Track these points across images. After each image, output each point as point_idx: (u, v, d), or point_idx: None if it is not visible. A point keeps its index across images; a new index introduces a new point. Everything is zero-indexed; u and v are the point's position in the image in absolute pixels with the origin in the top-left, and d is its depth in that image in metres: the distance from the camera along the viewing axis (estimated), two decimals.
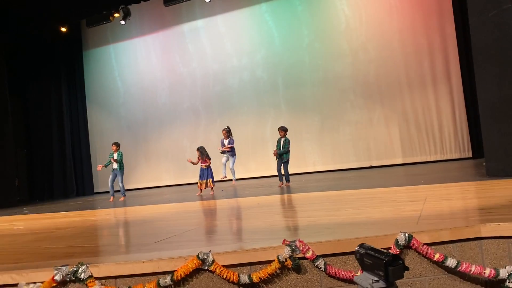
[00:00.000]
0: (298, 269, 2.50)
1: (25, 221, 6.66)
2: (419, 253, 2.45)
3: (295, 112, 12.44)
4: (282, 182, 8.56)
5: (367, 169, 11.30)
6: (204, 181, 8.59)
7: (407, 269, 1.42)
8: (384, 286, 1.40)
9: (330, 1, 12.22)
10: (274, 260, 2.48)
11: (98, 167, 9.94)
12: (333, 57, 12.08)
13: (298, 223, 3.89)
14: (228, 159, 10.21)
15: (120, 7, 12.79)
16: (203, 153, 8.71)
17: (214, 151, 9.91)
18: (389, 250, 2.45)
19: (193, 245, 3.08)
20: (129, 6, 13.09)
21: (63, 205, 9.94)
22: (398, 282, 1.45)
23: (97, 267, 2.57)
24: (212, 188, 8.59)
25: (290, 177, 8.73)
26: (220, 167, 10.46)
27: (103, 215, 6.67)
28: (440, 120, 11.01)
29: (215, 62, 13.45)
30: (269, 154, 10.22)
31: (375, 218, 3.45)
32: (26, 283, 2.56)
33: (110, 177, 9.70)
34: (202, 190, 8.61)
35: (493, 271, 2.36)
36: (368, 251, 1.46)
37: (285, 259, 2.47)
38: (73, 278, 2.53)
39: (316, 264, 2.47)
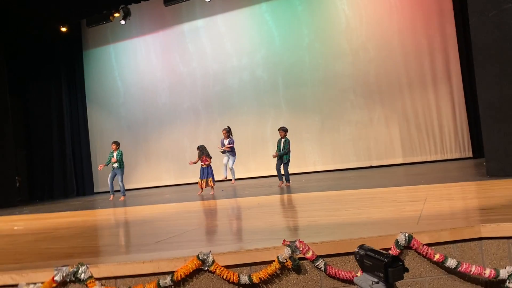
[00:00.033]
0: (298, 269, 2.50)
1: (25, 221, 6.66)
2: (419, 253, 2.45)
3: (295, 112, 12.44)
4: (282, 182, 8.55)
5: (367, 169, 11.31)
6: (205, 180, 8.57)
7: (406, 270, 1.42)
8: (384, 287, 1.40)
9: (330, 0, 12.22)
10: (274, 261, 2.48)
11: (99, 167, 9.95)
12: (333, 57, 12.08)
13: (298, 223, 3.89)
14: (228, 159, 10.21)
15: (120, 7, 12.79)
16: (202, 152, 8.69)
17: (214, 150, 9.91)
18: (389, 251, 2.45)
19: (193, 245, 3.08)
20: (129, 6, 13.09)
21: (63, 205, 9.94)
22: (398, 282, 1.45)
23: (97, 267, 2.57)
24: (212, 187, 8.58)
25: (290, 177, 8.73)
26: (220, 167, 10.47)
27: (103, 215, 6.67)
28: (440, 120, 11.01)
29: (215, 62, 13.45)
30: (269, 154, 10.22)
31: (375, 218, 3.45)
32: (26, 283, 2.56)
33: (110, 175, 9.71)
34: (203, 189, 8.60)
35: (493, 272, 2.36)
36: (368, 253, 1.46)
37: (285, 259, 2.47)
38: (73, 279, 2.53)
39: (316, 264, 2.47)
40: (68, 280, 2.54)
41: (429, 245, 2.46)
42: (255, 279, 2.46)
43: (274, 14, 12.79)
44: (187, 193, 9.36)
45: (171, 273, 2.49)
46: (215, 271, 2.49)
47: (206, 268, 2.51)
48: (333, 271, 2.46)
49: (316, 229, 3.21)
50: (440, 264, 2.42)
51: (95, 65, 15.04)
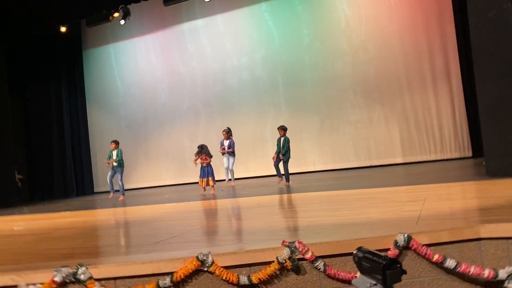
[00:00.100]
0: (297, 270, 2.51)
1: (25, 222, 6.67)
2: (418, 254, 2.46)
3: (295, 111, 12.44)
4: (281, 178, 8.57)
5: (367, 168, 11.30)
6: (205, 179, 8.56)
7: (404, 272, 1.42)
8: None
9: (330, 0, 12.21)
10: (273, 261, 2.48)
11: (106, 164, 9.89)
12: (333, 57, 12.08)
13: (297, 223, 3.90)
14: (228, 161, 10.15)
15: (120, 6, 12.77)
16: (201, 150, 8.66)
17: (214, 151, 9.90)
18: (389, 251, 2.45)
19: (192, 246, 3.08)
20: (128, 6, 13.05)
21: (63, 205, 9.94)
22: (397, 284, 1.46)
23: (97, 268, 2.57)
24: (213, 186, 8.57)
25: (290, 176, 8.74)
26: (220, 166, 10.47)
27: (103, 216, 6.67)
28: (440, 120, 11.01)
29: (215, 61, 13.45)
30: (269, 153, 10.24)
31: (374, 218, 3.45)
32: (26, 284, 2.56)
33: (109, 173, 9.70)
34: (205, 188, 8.58)
35: (492, 272, 2.37)
36: (366, 255, 1.46)
37: (285, 260, 2.47)
38: (73, 280, 2.53)
39: (316, 265, 2.48)
40: (67, 281, 2.55)
41: (428, 245, 2.46)
42: (254, 279, 2.47)
43: (273, 14, 12.79)
44: (186, 193, 9.37)
45: (171, 274, 2.50)
46: (214, 272, 2.50)
47: (205, 269, 2.52)
48: (332, 272, 2.46)
49: (316, 230, 3.22)
50: (439, 265, 2.43)
51: (95, 65, 15.04)
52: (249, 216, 4.60)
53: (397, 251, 2.44)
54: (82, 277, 2.51)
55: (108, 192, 10.33)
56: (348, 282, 2.43)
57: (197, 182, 8.99)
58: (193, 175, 11.09)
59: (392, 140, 11.44)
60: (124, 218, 6.00)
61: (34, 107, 14.33)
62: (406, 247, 2.45)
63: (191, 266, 2.49)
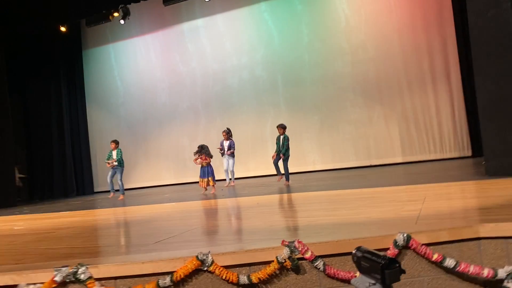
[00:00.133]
0: (297, 269, 2.51)
1: (25, 221, 6.67)
2: (417, 253, 2.46)
3: (295, 111, 12.45)
4: (281, 176, 8.58)
5: (366, 168, 11.31)
6: (205, 179, 8.57)
7: (403, 272, 1.43)
8: None
9: (330, 0, 12.22)
10: (273, 261, 2.49)
11: (107, 165, 9.87)
12: (333, 56, 12.09)
13: (297, 223, 3.90)
14: (228, 163, 10.13)
15: (120, 6, 12.78)
16: (201, 151, 8.65)
17: (214, 151, 9.90)
18: (388, 251, 2.46)
19: (192, 245, 3.09)
20: (128, 6, 13.06)
21: (63, 204, 9.95)
22: (396, 283, 1.46)
23: (97, 268, 2.58)
24: (213, 186, 8.57)
25: (290, 176, 8.74)
26: (220, 166, 10.47)
27: (103, 215, 6.68)
28: (439, 119, 11.02)
29: (215, 61, 13.45)
30: (269, 153, 10.24)
31: (374, 218, 3.46)
32: (26, 284, 2.57)
33: (109, 173, 9.70)
34: (206, 188, 8.58)
35: (491, 271, 2.37)
36: (365, 254, 1.47)
37: (284, 259, 2.48)
38: (73, 279, 2.54)
39: (315, 264, 2.48)
40: (68, 280, 2.55)
41: (428, 245, 2.46)
42: (254, 279, 2.47)
43: (273, 14, 12.79)
44: (186, 193, 9.37)
45: (171, 273, 2.50)
46: (214, 271, 2.50)
47: (205, 268, 2.52)
48: (332, 271, 2.46)
49: (315, 229, 3.22)
50: (439, 264, 2.43)
51: (95, 64, 15.04)
52: (249, 216, 4.61)
53: (396, 251, 2.45)
54: (82, 276, 2.52)
55: (108, 192, 10.33)
56: (348, 281, 2.43)
57: (197, 182, 9.00)
58: (193, 174, 11.11)
59: (391, 140, 11.45)
60: (124, 218, 6.01)
61: (34, 107, 14.34)
62: (405, 246, 2.45)
63: (191, 265, 2.49)
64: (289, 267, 2.49)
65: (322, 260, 2.48)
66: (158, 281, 2.50)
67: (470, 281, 2.46)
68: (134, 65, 14.52)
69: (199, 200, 7.34)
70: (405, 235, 2.44)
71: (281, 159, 8.58)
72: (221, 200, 6.85)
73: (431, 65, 11.07)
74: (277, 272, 2.51)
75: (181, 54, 13.89)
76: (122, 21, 13.58)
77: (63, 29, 13.55)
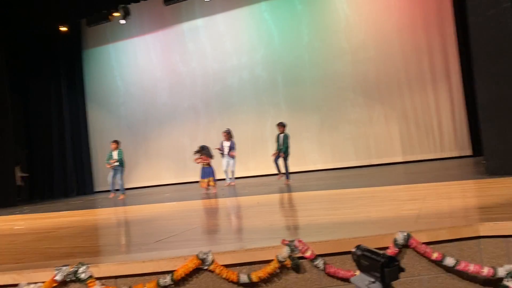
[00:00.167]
0: (297, 268, 2.51)
1: (26, 221, 6.67)
2: (417, 252, 2.46)
3: (295, 110, 12.45)
4: (281, 175, 8.59)
5: (366, 167, 11.31)
6: (206, 180, 8.58)
7: (402, 270, 1.44)
8: (380, 287, 1.42)
9: None
10: (273, 260, 2.49)
11: (107, 165, 9.86)
12: (333, 56, 12.09)
13: (297, 222, 3.91)
14: (228, 164, 10.12)
15: (120, 6, 12.79)
16: (202, 151, 8.65)
17: (215, 151, 9.91)
18: (388, 250, 2.46)
19: (193, 244, 3.09)
20: (128, 6, 13.09)
21: (64, 204, 9.95)
22: (396, 281, 1.47)
23: (97, 267, 2.58)
24: (214, 186, 8.58)
25: (290, 175, 8.74)
26: (220, 166, 10.46)
27: (103, 215, 6.68)
28: (439, 118, 11.03)
29: (215, 61, 13.46)
30: (269, 152, 10.23)
31: (374, 217, 3.46)
32: (27, 283, 2.57)
33: (110, 173, 9.70)
34: (207, 188, 8.58)
35: (491, 270, 2.37)
36: (365, 253, 1.47)
37: (284, 258, 2.48)
38: (74, 278, 2.54)
39: (315, 263, 2.48)
40: (68, 280, 2.56)
41: (428, 243, 2.47)
42: (254, 278, 2.48)
43: (273, 13, 12.79)
44: (187, 192, 9.38)
45: (171, 272, 2.51)
46: (214, 270, 2.51)
47: (205, 267, 2.53)
48: (332, 270, 2.47)
49: (316, 228, 3.22)
50: (438, 263, 2.44)
51: (95, 64, 15.05)
52: (249, 215, 4.61)
53: (396, 249, 2.45)
54: (82, 276, 2.52)
55: (109, 191, 10.34)
56: (348, 280, 2.44)
57: (197, 181, 9.00)
58: (193, 174, 11.10)
59: (391, 139, 11.46)
60: (124, 217, 6.01)
61: (34, 106, 14.35)
62: (405, 245, 2.46)
63: (191, 264, 2.50)
64: (289, 266, 2.49)
65: (322, 259, 2.49)
66: (159, 280, 2.50)
67: (469, 280, 2.46)
68: (134, 65, 14.52)
69: (200, 199, 7.34)
70: (405, 234, 2.44)
71: (281, 157, 8.58)
72: (222, 200, 6.86)
73: (431, 65, 11.07)
74: (277, 271, 2.51)
75: (181, 54, 13.89)
76: (122, 21, 13.61)
77: (63, 29, 13.55)
